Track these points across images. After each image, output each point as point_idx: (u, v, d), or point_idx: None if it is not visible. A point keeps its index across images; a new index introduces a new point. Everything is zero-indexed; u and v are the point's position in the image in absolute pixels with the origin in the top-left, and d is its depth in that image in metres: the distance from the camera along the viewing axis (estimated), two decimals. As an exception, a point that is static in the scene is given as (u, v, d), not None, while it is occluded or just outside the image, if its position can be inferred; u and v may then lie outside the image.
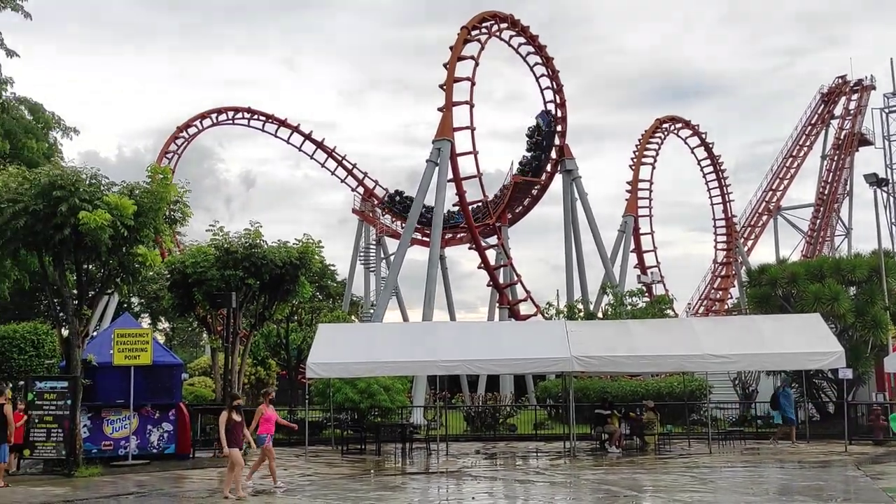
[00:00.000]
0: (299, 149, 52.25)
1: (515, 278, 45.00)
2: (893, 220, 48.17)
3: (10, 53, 27.81)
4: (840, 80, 62.90)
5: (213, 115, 49.32)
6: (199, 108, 50.35)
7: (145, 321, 54.56)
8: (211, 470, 19.07)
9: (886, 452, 21.18)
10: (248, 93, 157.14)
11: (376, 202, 54.77)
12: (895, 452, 21.25)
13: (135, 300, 51.19)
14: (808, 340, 21.69)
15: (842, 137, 60.85)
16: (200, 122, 48.91)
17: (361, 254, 55.70)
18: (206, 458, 21.05)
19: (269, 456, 16.21)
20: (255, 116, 50.34)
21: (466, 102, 38.91)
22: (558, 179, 45.82)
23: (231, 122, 50.57)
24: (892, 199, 47.79)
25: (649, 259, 54.77)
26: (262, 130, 51.31)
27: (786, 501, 13.47)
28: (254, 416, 16.21)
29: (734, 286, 55.98)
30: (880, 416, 24.13)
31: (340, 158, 53.47)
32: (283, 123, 50.94)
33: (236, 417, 14.90)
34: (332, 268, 66.84)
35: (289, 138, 51.70)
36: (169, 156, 47.11)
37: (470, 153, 39.59)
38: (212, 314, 25.56)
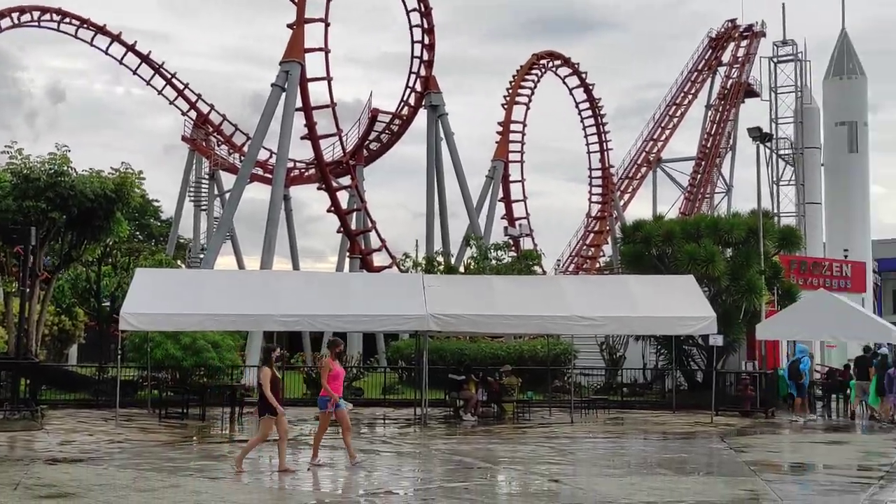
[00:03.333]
0: (120, 62, 49.97)
1: (370, 225, 45.07)
2: (775, 179, 50.92)
3: None
4: (730, 24, 65.23)
5: (15, 15, 46.22)
6: (-3, 5, 46.95)
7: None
8: None
9: (752, 424, 22.67)
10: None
11: (211, 129, 53.22)
12: (761, 424, 22.77)
13: None
14: (680, 304, 22.80)
15: (728, 87, 63.47)
16: (-3, 22, 45.90)
17: (191, 189, 54.13)
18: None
19: (343, 423, 14.72)
20: (67, 19, 47.63)
21: (321, 20, 38.24)
22: (422, 115, 45.89)
23: (37, 24, 47.52)
24: (774, 156, 50.49)
25: (518, 210, 55.81)
26: (76, 37, 48.62)
27: (646, 475, 14.21)
28: (321, 373, 15.01)
29: (608, 243, 57.77)
30: (749, 385, 25.78)
31: (170, 76, 51.58)
32: (100, 30, 48.48)
33: (278, 374, 13.86)
34: (156, 204, 65.25)
35: (107, 48, 49.29)
36: (-44, 60, 44.07)
37: (323, 79, 39.00)
38: (6, 252, 24.40)
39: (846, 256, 40.49)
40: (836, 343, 30.86)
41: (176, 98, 52.22)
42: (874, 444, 19.11)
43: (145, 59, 50.51)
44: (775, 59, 53.07)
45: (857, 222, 45.75)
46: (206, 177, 53.61)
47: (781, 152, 51.35)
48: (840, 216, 45.91)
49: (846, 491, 12.73)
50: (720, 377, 26.46)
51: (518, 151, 55.48)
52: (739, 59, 64.21)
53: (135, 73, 50.69)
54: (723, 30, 65.21)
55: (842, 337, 27.30)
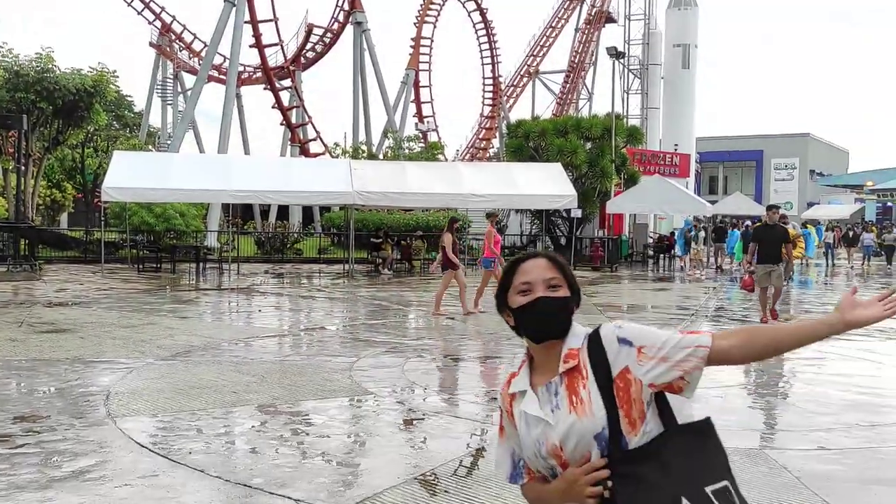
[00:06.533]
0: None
1: (307, 119, 43.86)
2: (626, 89, 51.25)
3: None
4: (597, -37, 64.00)
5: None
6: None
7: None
8: (3, 283, 17.70)
9: (601, 276, 23.50)
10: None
11: (174, 37, 50.39)
12: (607, 277, 23.63)
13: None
14: (550, 185, 23.13)
15: (592, 14, 62.76)
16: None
17: (158, 87, 51.55)
18: (-1, 273, 19.46)
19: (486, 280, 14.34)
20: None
21: (265, -54, 36.06)
22: (349, 30, 44.33)
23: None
24: (626, 70, 50.65)
25: (426, 109, 55.03)
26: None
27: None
28: (485, 238, 14.34)
29: (496, 137, 57.69)
30: (599, 247, 26.60)
31: (137, -10, 48.17)
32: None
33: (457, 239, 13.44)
34: (129, 98, 61.89)
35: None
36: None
37: (267, -4, 37.12)
38: (2, 135, 23.06)
39: (676, 149, 41.44)
40: (665, 216, 31.91)
41: (143, 10, 48.96)
42: (688, 291, 20.05)
43: (115, -26, 47.06)
44: (630, -7, 52.54)
45: (685, 124, 46.66)
46: (171, 77, 51.13)
47: (631, 67, 51.51)
48: (673, 118, 46.74)
49: (666, 324, 13.41)
50: (578, 241, 27.21)
51: (427, 62, 54.28)
52: (603, -8, 63.15)
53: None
54: (591, -33, 63.84)
55: (670, 211, 28.26)
